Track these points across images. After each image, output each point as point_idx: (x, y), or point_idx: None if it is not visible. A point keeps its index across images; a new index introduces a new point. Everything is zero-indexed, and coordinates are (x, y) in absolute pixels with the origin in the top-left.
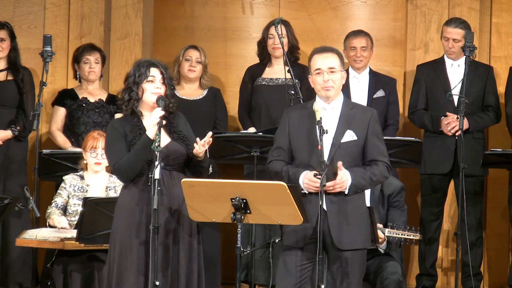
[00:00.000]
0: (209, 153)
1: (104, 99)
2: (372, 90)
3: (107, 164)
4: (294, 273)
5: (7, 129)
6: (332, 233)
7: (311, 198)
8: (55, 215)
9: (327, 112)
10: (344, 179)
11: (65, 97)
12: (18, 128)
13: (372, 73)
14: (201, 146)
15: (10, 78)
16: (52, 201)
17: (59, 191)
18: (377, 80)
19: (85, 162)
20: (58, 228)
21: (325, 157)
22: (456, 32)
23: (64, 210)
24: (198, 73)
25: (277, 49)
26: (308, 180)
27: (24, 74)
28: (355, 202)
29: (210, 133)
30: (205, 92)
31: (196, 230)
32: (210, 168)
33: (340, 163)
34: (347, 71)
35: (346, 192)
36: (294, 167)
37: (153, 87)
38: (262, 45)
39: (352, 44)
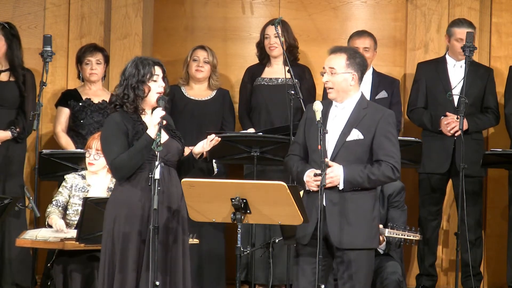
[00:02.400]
0: (209, 153)
1: (107, 100)
2: (374, 91)
3: (105, 165)
4: (309, 271)
5: (7, 130)
6: (331, 232)
7: (313, 197)
8: (54, 215)
9: (338, 111)
10: (332, 174)
11: (69, 98)
12: (17, 130)
13: (376, 74)
14: (209, 144)
15: (12, 79)
16: (53, 199)
17: (60, 189)
18: (380, 80)
19: None
20: (54, 229)
21: (329, 155)
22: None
23: (65, 209)
24: (206, 73)
25: (273, 49)
26: (308, 177)
27: (26, 76)
28: (357, 201)
29: (212, 135)
30: (214, 93)
31: (187, 228)
32: (216, 168)
33: (327, 160)
34: None
35: (341, 188)
36: (303, 164)
37: (157, 86)
38: (261, 45)
39: (355, 45)
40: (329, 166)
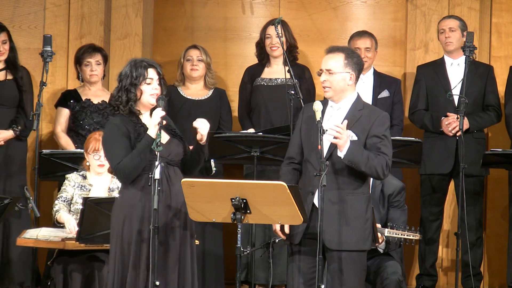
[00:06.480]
0: (209, 152)
1: (107, 100)
2: (376, 90)
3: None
4: (304, 270)
5: (9, 129)
6: (323, 232)
7: (304, 196)
8: (64, 212)
9: (334, 111)
10: (345, 136)
11: (68, 99)
12: (19, 127)
13: (377, 74)
14: (205, 124)
15: (9, 77)
16: (58, 196)
17: (63, 187)
18: (381, 80)
19: (87, 163)
20: (64, 228)
21: (324, 155)
22: (450, 21)
23: (70, 204)
24: (201, 72)
25: (275, 49)
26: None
27: (23, 73)
28: (350, 203)
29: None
30: (210, 92)
31: (194, 228)
32: (214, 168)
33: (345, 121)
34: None
35: (342, 154)
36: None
37: (151, 89)
38: (261, 45)
39: (356, 45)
40: (326, 170)
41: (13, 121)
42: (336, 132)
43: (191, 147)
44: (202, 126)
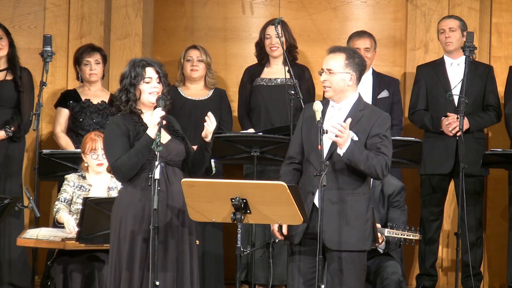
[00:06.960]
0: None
1: (106, 101)
2: (376, 90)
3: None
4: (303, 270)
5: (1, 129)
6: (323, 232)
7: (304, 196)
8: (64, 212)
9: (335, 111)
10: (345, 135)
11: (68, 99)
12: (12, 128)
13: (375, 74)
14: (213, 121)
15: (9, 78)
16: (58, 197)
17: (63, 187)
18: (380, 80)
19: (85, 165)
20: (64, 228)
21: (324, 155)
22: (450, 21)
23: (70, 204)
24: (201, 72)
25: (275, 49)
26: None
27: (23, 74)
28: (351, 203)
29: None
30: (211, 92)
31: (195, 228)
32: (214, 168)
33: (349, 120)
34: None
35: (341, 154)
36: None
37: (150, 88)
38: (260, 45)
39: (356, 45)
40: (326, 170)
41: (7, 121)
42: (337, 130)
43: (194, 147)
44: (210, 122)
